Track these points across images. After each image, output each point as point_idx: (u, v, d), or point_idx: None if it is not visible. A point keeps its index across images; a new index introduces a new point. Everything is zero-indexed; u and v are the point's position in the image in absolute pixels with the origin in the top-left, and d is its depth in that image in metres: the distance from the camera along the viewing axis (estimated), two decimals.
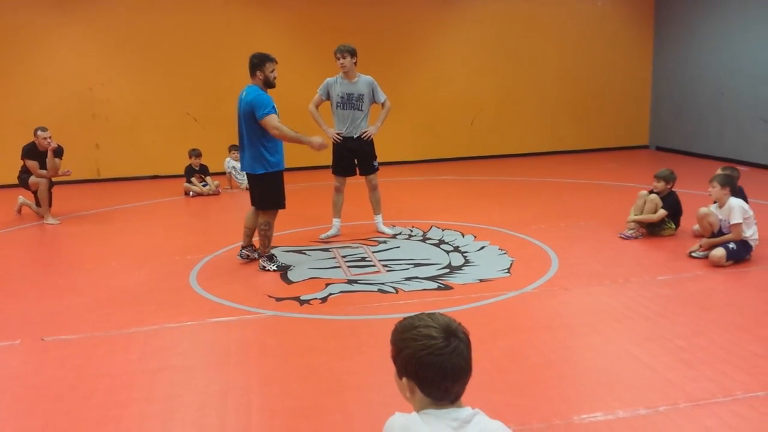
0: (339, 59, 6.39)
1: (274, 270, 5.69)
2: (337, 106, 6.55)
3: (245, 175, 9.62)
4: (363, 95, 6.53)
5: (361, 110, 6.56)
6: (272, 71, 5.57)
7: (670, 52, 12.24)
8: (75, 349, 4.18)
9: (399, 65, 11.53)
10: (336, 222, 6.79)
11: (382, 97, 6.62)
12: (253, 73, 5.57)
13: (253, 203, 5.89)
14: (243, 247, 6.03)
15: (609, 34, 12.42)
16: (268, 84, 5.60)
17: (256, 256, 5.98)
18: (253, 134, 5.53)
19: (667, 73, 12.37)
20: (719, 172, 5.90)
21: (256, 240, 6.03)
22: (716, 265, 5.44)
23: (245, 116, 5.52)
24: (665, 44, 12.35)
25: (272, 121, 5.43)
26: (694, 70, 11.64)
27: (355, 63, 6.45)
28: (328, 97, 6.59)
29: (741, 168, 7.59)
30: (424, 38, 11.76)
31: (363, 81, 6.53)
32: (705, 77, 11.40)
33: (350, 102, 6.52)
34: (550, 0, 12.08)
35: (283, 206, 5.82)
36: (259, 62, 5.54)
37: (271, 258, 5.78)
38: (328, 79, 6.59)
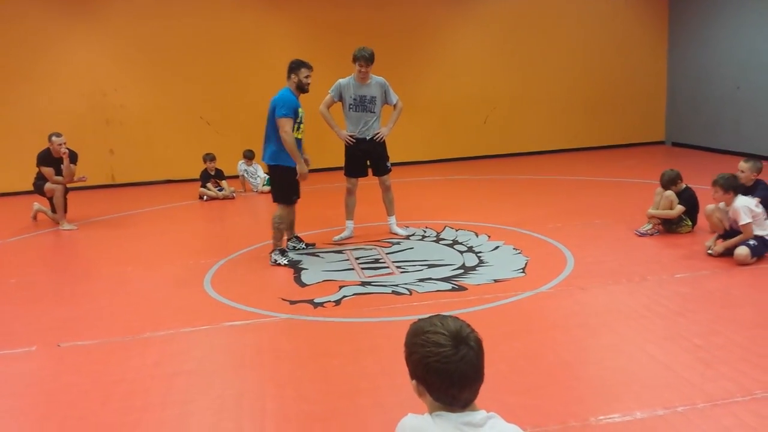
0: (362, 67, 6.35)
1: (285, 264, 5.91)
2: (350, 108, 6.54)
3: (258, 179, 9.87)
4: (375, 97, 6.51)
5: (374, 112, 6.54)
6: (306, 76, 5.95)
7: (685, 47, 12.12)
8: (91, 354, 4.20)
9: (411, 65, 11.50)
10: (349, 224, 6.79)
11: (394, 98, 6.61)
12: (288, 76, 5.97)
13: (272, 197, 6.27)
14: (288, 239, 6.34)
15: (622, 29, 12.31)
16: (301, 88, 5.97)
17: (303, 246, 6.33)
18: (277, 130, 5.88)
19: (683, 68, 12.24)
20: (719, 176, 5.70)
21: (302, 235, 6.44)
22: (742, 263, 5.34)
23: (271, 112, 5.91)
24: (680, 39, 12.22)
25: (286, 125, 5.80)
26: (710, 65, 11.52)
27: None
28: (341, 98, 6.57)
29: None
30: (436, 38, 11.74)
31: (375, 83, 6.52)
32: (721, 71, 11.27)
33: (363, 104, 6.50)
34: None
35: (291, 202, 6.13)
36: (295, 66, 5.96)
37: (283, 252, 6.05)
38: (341, 80, 6.56)
